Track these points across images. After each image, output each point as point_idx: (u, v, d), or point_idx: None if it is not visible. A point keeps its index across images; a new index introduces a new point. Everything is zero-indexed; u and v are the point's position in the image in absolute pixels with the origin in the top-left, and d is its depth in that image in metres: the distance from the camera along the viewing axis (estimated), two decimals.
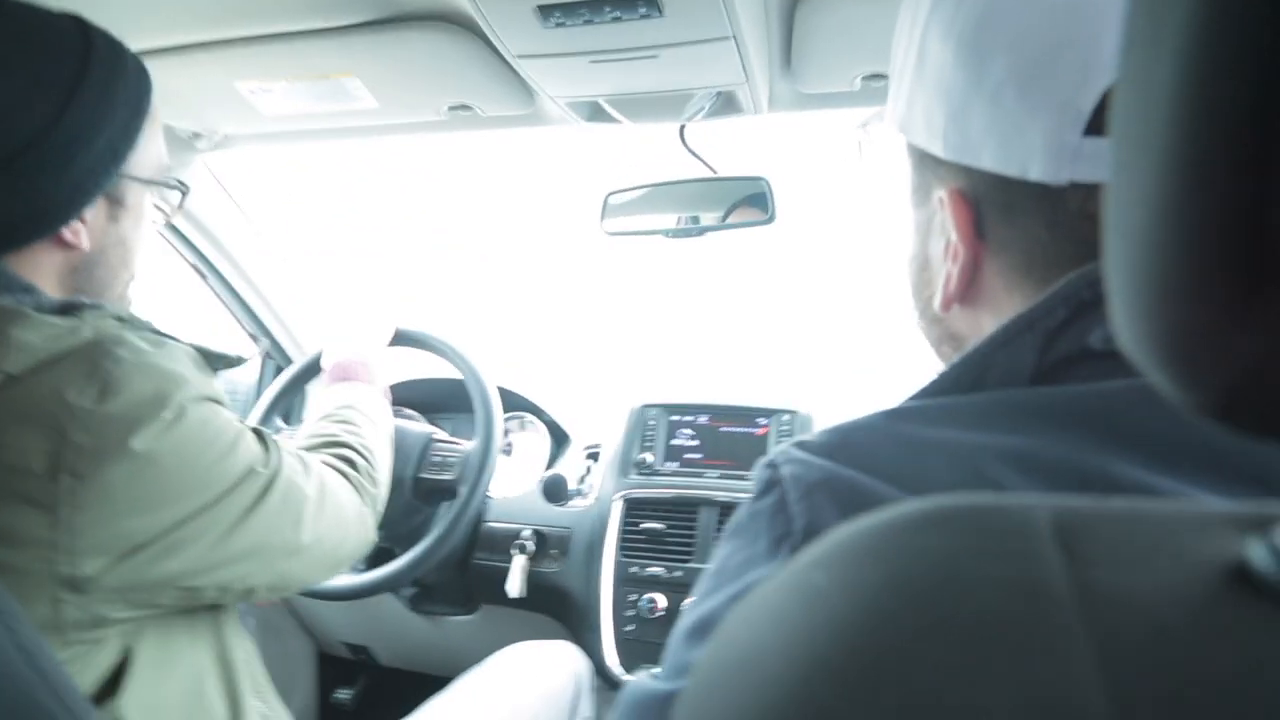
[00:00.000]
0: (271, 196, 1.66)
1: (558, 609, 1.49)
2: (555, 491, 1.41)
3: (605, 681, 1.38)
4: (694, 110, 1.07)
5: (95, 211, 0.78)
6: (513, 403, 1.69)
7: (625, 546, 1.42)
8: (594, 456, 1.59)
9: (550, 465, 1.65)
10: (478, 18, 0.87)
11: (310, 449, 1.03)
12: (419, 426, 1.50)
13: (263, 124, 1.23)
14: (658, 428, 1.52)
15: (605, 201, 1.26)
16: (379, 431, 1.13)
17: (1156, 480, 0.34)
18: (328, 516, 0.90)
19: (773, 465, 0.41)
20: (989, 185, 0.44)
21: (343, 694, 1.89)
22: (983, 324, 0.46)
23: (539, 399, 1.71)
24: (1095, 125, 0.39)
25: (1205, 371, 0.21)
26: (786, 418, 1.47)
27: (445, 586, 1.57)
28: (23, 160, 0.71)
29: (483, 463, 1.35)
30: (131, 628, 0.75)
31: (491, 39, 0.92)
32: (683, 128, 1.16)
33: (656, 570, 1.38)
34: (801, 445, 0.41)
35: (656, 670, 0.41)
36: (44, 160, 0.72)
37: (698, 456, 1.49)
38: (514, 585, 1.43)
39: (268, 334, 1.72)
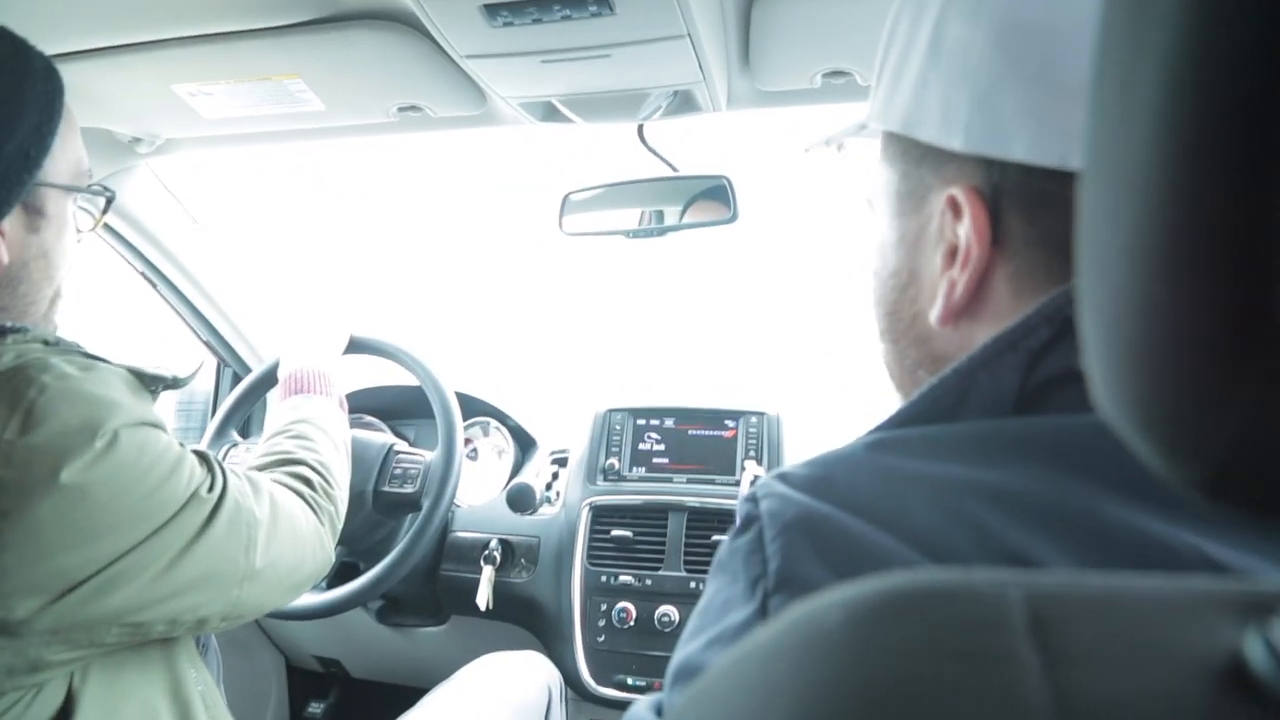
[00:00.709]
0: (223, 201, 1.61)
1: (528, 619, 1.46)
2: (522, 501, 1.38)
3: (577, 692, 1.37)
4: (651, 109, 1.04)
5: (12, 222, 0.74)
6: (477, 408, 1.66)
7: (594, 555, 1.39)
8: (561, 462, 1.56)
9: (516, 471, 1.62)
10: (423, 17, 0.84)
11: (262, 468, 1.00)
12: (379, 437, 1.46)
13: (205, 127, 1.19)
14: (624, 432, 1.50)
15: (565, 200, 1.23)
16: (335, 446, 1.10)
17: (1147, 523, 0.32)
18: (282, 538, 0.87)
19: (753, 499, 0.39)
20: (1013, 179, 0.41)
21: (314, 708, 1.87)
22: (976, 340, 0.42)
23: (504, 404, 1.68)
24: None
25: (1193, 443, 0.19)
26: (755, 419, 1.45)
27: (414, 598, 1.54)
28: None
29: (445, 474, 1.32)
30: (75, 669, 0.71)
31: (438, 39, 0.89)
32: (641, 126, 1.13)
33: (627, 579, 1.36)
34: (783, 478, 0.39)
35: (658, 697, 0.39)
36: None
37: (665, 461, 1.46)
38: (482, 598, 1.40)
39: (223, 342, 1.68)
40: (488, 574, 1.41)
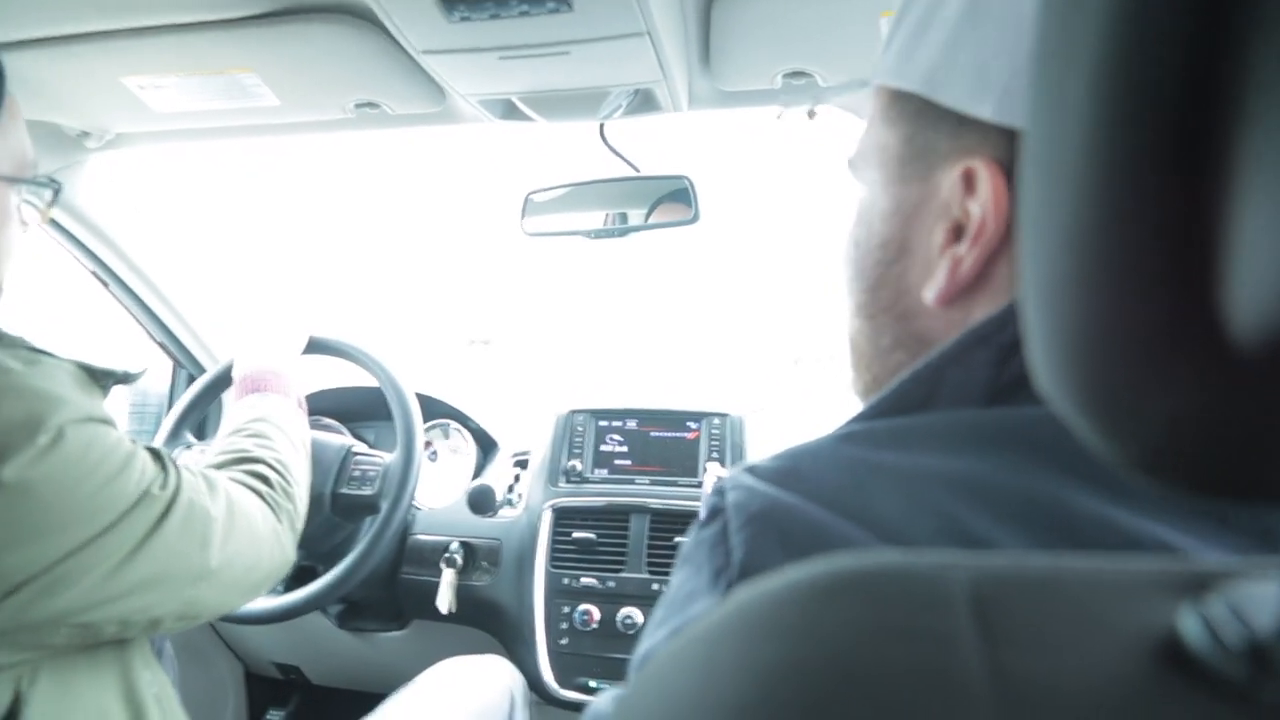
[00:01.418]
0: (177, 196, 1.57)
1: (490, 623, 1.45)
2: (482, 503, 1.37)
3: (540, 695, 1.35)
4: (611, 108, 1.04)
5: None
6: (437, 410, 1.64)
7: (556, 557, 1.38)
8: (523, 464, 1.55)
9: (478, 473, 1.61)
10: (379, 11, 0.83)
11: (219, 466, 0.98)
12: (337, 439, 1.44)
13: (156, 122, 1.16)
14: (586, 434, 1.49)
15: (526, 201, 1.22)
16: (294, 445, 1.08)
17: (1114, 513, 0.32)
18: (239, 537, 0.85)
19: (720, 491, 0.39)
20: None
21: (274, 716, 1.83)
22: (969, 322, 0.41)
23: (465, 405, 1.66)
24: None
25: (1130, 425, 0.19)
26: (718, 421, 1.45)
27: (374, 603, 1.52)
28: None
29: (404, 476, 1.30)
30: (23, 671, 0.69)
31: (395, 34, 0.88)
32: (602, 125, 1.12)
33: (589, 581, 1.35)
34: (752, 470, 0.39)
35: (620, 689, 0.39)
36: None
37: (627, 463, 1.46)
38: (444, 601, 1.38)
39: (177, 343, 1.64)
40: (449, 577, 1.40)
